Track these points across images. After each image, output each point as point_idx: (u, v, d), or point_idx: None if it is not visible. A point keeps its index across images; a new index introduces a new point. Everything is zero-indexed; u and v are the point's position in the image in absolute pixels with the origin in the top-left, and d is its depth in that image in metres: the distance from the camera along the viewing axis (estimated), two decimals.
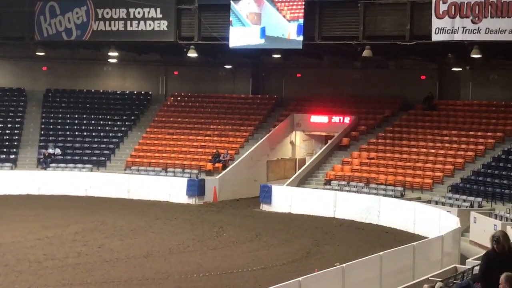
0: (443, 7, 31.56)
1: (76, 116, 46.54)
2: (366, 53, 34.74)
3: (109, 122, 46.26)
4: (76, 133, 45.43)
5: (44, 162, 42.32)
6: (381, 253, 20.35)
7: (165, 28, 38.23)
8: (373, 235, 30.95)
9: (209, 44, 38.66)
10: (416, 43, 33.01)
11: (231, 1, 36.44)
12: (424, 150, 37.84)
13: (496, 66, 40.11)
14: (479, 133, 37.99)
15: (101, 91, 48.64)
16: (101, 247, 26.73)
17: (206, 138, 43.76)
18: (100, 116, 46.54)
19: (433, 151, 37.54)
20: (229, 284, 22.17)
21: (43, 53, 43.74)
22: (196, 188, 38.24)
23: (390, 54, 40.52)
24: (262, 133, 43.35)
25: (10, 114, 46.07)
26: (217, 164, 40.90)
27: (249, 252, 26.69)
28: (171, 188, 38.81)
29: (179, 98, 48.29)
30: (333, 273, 18.56)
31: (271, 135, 42.55)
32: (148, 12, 38.45)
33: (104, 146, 44.38)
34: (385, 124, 41.63)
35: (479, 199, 32.42)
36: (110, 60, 45.81)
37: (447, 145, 37.72)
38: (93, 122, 46.14)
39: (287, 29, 35.63)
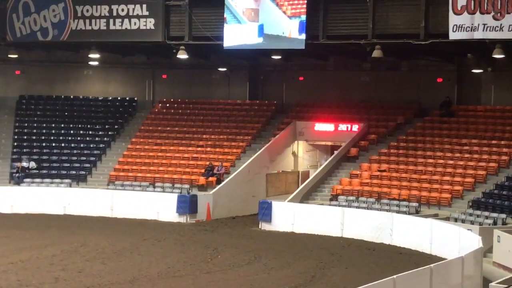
0: (461, 2, 31.63)
1: (53, 125, 46.58)
2: (376, 53, 34.81)
3: (90, 132, 46.28)
4: (53, 144, 45.41)
5: (18, 177, 42.28)
6: (395, 276, 20.31)
7: (152, 27, 38.27)
8: (385, 256, 30.92)
9: (201, 44, 38.73)
10: (432, 42, 33.08)
11: None
12: (441, 161, 37.88)
13: None
14: (503, 142, 38.03)
15: (81, 97, 48.67)
16: (82, 271, 26.66)
17: (199, 149, 43.77)
18: (80, 125, 46.56)
19: (451, 162, 37.58)
20: None
21: (16, 56, 43.78)
22: (188, 205, 38.21)
23: (403, 55, 40.61)
24: (260, 143, 43.38)
25: None
26: (210, 178, 40.90)
27: (247, 277, 26.65)
28: (159, 205, 38.78)
29: (168, 105, 48.33)
30: None
31: (270, 145, 42.58)
32: (133, 9, 38.50)
33: (85, 158, 44.36)
34: (398, 132, 41.68)
35: (503, 215, 32.40)
36: (91, 63, 45.84)
37: (467, 155, 37.76)
38: (72, 132, 46.15)
39: (288, 26, 35.69)
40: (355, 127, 42.24)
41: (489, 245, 29.46)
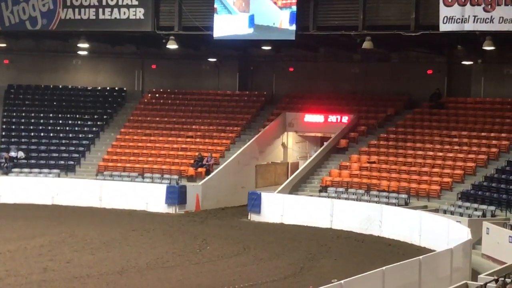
0: None
1: (42, 115, 46.45)
2: (367, 44, 34.77)
3: (79, 122, 46.16)
4: (42, 134, 45.31)
5: (6, 167, 42.18)
6: (384, 268, 20.39)
7: (142, 17, 38.10)
8: (374, 248, 31.01)
9: (191, 35, 38.58)
10: (422, 33, 33.07)
11: None
12: (431, 153, 37.96)
13: (511, 59, 40.29)
14: (492, 134, 38.11)
15: (70, 87, 48.54)
16: (70, 262, 26.66)
17: (188, 139, 43.74)
18: (68, 115, 46.45)
19: (441, 154, 37.66)
20: None
21: (4, 45, 43.54)
22: (177, 195, 38.23)
23: (393, 46, 40.59)
24: (250, 134, 43.37)
25: None
26: (199, 169, 40.87)
27: (236, 268, 26.69)
28: (148, 196, 38.78)
29: (157, 95, 48.24)
30: None
31: (260, 136, 42.58)
32: None
33: (73, 148, 44.26)
34: (387, 124, 41.73)
35: (492, 207, 32.52)
36: (80, 53, 45.70)
37: (456, 147, 37.85)
38: (61, 121, 46.05)
39: (278, 17, 35.62)
40: (345, 119, 42.29)
41: (478, 237, 29.64)
